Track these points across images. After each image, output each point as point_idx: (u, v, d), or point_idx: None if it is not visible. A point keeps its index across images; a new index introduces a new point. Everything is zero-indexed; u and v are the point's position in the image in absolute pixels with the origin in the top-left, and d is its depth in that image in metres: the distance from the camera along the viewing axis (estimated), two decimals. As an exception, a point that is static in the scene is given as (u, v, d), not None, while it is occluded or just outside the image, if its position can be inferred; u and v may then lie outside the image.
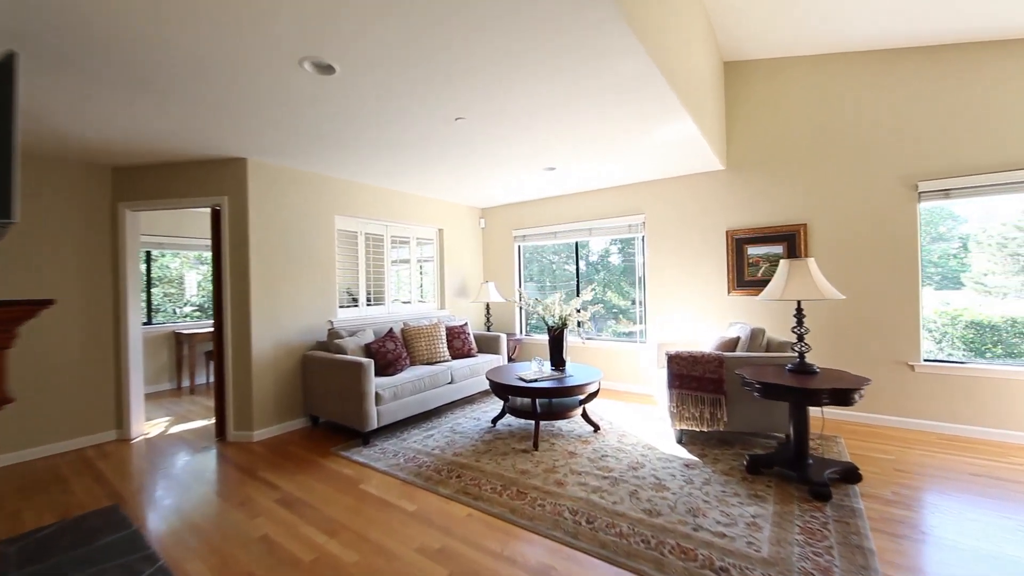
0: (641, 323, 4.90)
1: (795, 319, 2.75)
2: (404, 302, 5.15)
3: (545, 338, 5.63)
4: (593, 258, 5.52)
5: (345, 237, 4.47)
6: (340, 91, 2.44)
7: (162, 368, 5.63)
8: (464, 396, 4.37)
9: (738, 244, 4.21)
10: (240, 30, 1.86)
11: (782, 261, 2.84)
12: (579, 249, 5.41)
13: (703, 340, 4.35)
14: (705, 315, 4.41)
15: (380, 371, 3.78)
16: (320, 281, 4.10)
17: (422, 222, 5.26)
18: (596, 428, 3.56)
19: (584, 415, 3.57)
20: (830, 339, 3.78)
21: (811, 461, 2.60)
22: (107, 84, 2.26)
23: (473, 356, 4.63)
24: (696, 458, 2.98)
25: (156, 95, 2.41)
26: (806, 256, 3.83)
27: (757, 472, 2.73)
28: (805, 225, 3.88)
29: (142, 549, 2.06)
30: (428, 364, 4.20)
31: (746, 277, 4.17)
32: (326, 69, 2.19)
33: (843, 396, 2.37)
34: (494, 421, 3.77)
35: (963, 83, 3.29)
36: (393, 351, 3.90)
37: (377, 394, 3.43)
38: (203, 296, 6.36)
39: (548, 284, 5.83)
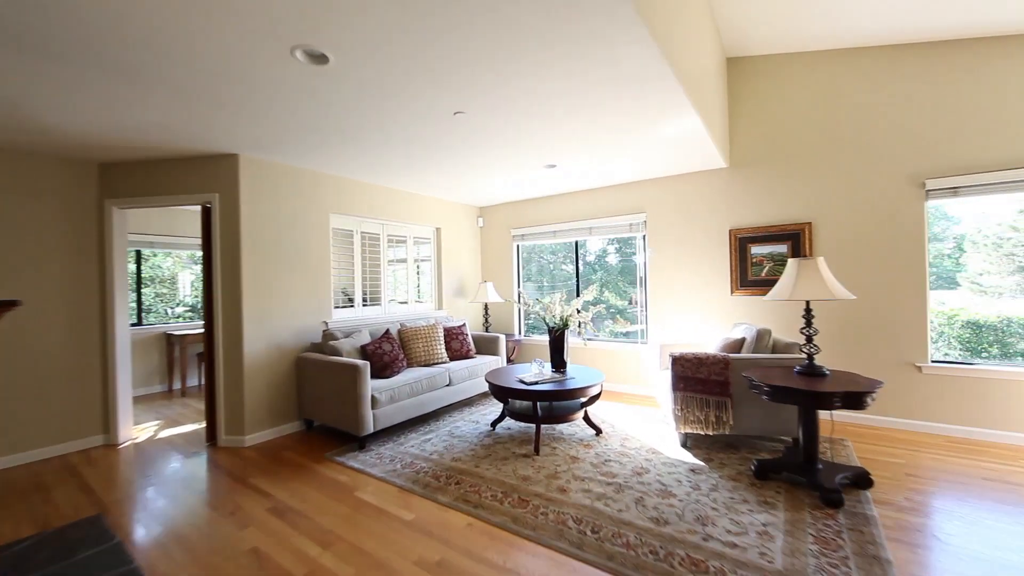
0: (642, 323, 4.83)
1: (804, 320, 2.67)
2: (401, 302, 5.04)
3: (544, 339, 5.54)
4: (590, 258, 5.44)
5: (340, 236, 4.36)
6: (334, 82, 2.34)
7: (153, 370, 5.50)
8: (462, 399, 4.28)
9: (741, 243, 4.14)
10: (229, 15, 1.75)
11: (790, 260, 2.76)
12: (578, 249, 5.32)
13: (706, 341, 4.27)
14: (708, 315, 4.34)
15: (376, 373, 3.68)
16: (314, 281, 3.99)
17: (419, 221, 5.16)
18: (598, 431, 3.47)
19: (586, 418, 3.48)
20: (835, 340, 3.71)
21: (821, 466, 2.53)
22: (92, 73, 2.15)
23: (471, 358, 4.53)
24: (702, 463, 2.89)
25: (142, 86, 2.30)
26: (811, 255, 3.77)
27: (765, 477, 2.65)
28: (810, 224, 3.81)
29: (124, 563, 1.95)
30: (425, 366, 4.10)
31: (750, 277, 4.10)
32: (319, 59, 2.09)
33: (856, 399, 2.30)
34: (493, 424, 3.68)
35: (971, 79, 3.22)
36: (390, 353, 3.80)
37: (373, 397, 3.33)
38: (196, 296, 6.23)
39: (547, 284, 5.75)
